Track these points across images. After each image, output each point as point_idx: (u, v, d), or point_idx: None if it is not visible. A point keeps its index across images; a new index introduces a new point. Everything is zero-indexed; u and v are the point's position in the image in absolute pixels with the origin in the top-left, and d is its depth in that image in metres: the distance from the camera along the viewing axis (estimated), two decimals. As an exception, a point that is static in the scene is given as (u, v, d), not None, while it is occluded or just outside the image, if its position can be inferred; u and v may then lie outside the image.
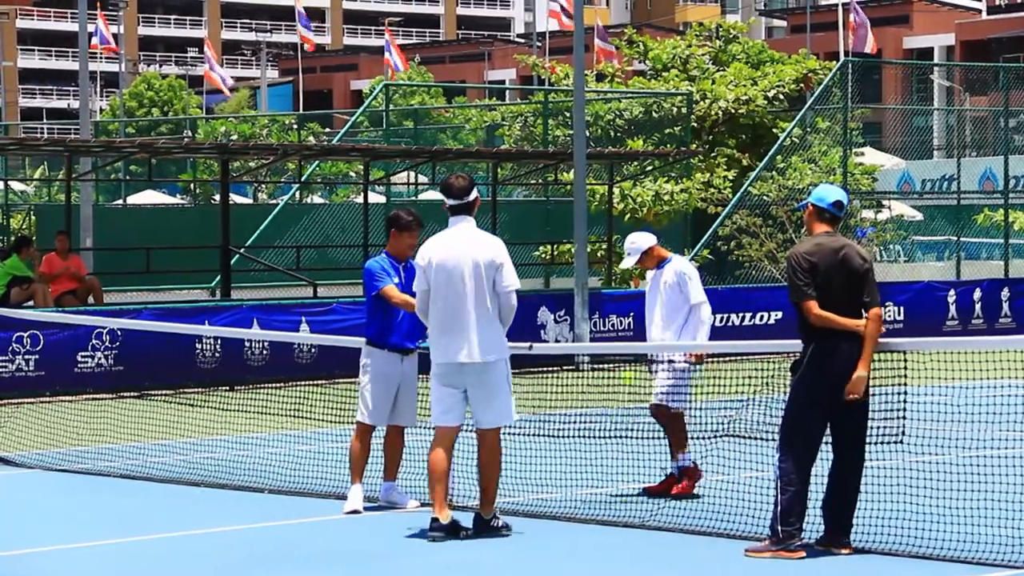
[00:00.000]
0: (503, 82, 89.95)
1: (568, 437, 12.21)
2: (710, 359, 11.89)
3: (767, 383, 12.34)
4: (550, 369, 20.10)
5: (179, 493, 11.93)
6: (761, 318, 23.01)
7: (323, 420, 13.74)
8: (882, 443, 9.48)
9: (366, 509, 10.91)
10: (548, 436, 12.37)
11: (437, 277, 9.86)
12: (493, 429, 9.95)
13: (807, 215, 9.54)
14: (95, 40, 36.01)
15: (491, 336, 9.82)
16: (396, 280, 10.91)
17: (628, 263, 11.73)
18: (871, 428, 9.37)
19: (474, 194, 10.00)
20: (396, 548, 9.77)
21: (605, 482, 11.57)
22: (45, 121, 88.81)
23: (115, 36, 35.90)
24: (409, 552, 9.67)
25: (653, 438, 11.70)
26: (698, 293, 11.45)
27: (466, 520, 10.00)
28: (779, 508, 9.19)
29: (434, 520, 9.87)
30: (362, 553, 9.73)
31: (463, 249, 9.86)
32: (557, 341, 21.40)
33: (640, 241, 11.70)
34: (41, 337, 17.95)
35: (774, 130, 29.47)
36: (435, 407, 9.98)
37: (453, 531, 9.85)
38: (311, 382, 17.60)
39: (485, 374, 9.84)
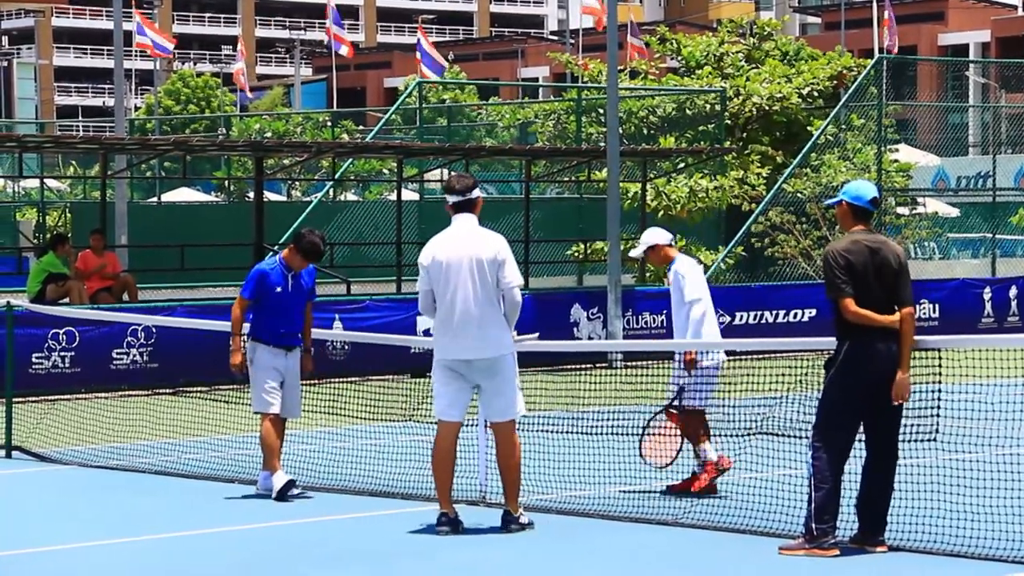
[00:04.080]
0: (536, 79, 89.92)
1: (601, 434, 12.20)
2: (743, 356, 11.86)
3: (800, 380, 12.32)
4: (583, 366, 20.09)
5: (213, 489, 11.98)
6: (795, 315, 22.94)
7: (356, 417, 13.77)
8: (916, 441, 9.45)
9: (391, 508, 10.95)
10: (581, 433, 12.36)
11: (439, 275, 9.93)
12: (506, 422, 10.00)
13: (841, 212, 9.49)
14: (144, 40, 36.05)
15: (497, 332, 9.88)
16: (280, 288, 11.61)
17: (634, 253, 11.83)
18: (905, 426, 9.34)
19: (476, 193, 10.12)
20: (423, 547, 9.77)
21: (638, 480, 11.55)
22: (81, 119, 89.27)
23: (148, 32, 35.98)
24: (437, 550, 9.67)
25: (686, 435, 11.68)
26: (692, 290, 11.26)
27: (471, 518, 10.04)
28: (813, 506, 9.16)
29: (442, 515, 9.97)
30: (389, 551, 9.72)
31: (465, 247, 9.93)
32: (590, 338, 21.40)
33: (648, 236, 11.68)
34: (77, 334, 18.04)
35: (808, 127, 29.36)
36: (439, 401, 10.04)
37: (457, 525, 9.98)
38: (344, 379, 17.62)
39: (494, 369, 9.93)
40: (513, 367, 10.04)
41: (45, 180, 40.78)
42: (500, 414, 10.00)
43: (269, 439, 11.53)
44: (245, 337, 11.81)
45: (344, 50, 56.69)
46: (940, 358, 9.49)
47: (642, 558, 9.46)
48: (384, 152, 26.80)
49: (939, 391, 9.44)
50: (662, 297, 22.81)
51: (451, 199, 10.13)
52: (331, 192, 34.61)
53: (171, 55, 38.44)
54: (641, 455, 11.34)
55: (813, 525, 9.17)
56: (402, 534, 10.15)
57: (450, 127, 40.62)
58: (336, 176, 28.94)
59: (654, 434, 11.39)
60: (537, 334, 11.19)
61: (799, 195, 26.57)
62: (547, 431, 12.26)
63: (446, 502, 10.00)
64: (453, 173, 10.44)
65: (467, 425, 11.73)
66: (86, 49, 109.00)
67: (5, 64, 75.64)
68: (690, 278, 11.35)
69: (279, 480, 11.44)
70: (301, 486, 11.57)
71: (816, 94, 29.91)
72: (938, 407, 9.39)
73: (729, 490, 10.97)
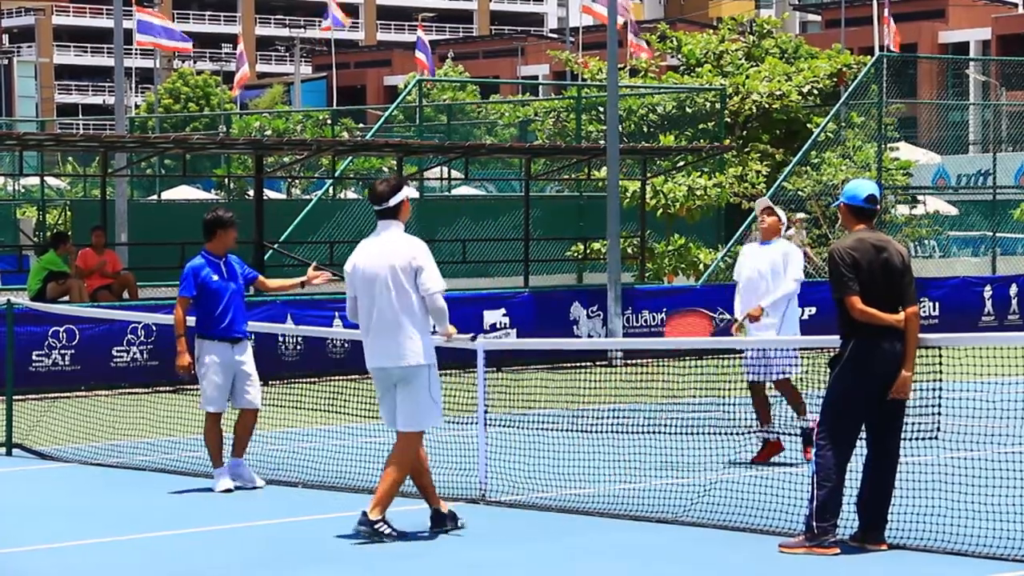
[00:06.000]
0: (536, 77, 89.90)
1: (601, 432, 12.21)
2: (743, 355, 11.94)
3: (800, 378, 12.34)
4: (583, 365, 20.10)
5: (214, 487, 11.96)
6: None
7: (356, 415, 13.76)
8: (917, 439, 9.44)
9: (391, 506, 10.96)
10: (581, 431, 12.37)
11: (359, 284, 9.84)
12: (406, 433, 9.80)
13: (842, 214, 9.51)
14: (154, 39, 35.85)
15: (412, 341, 9.69)
16: (217, 276, 11.86)
17: (762, 203, 12.73)
18: (906, 424, 9.33)
19: (398, 198, 9.84)
20: (424, 546, 9.75)
21: (638, 477, 11.55)
22: (81, 117, 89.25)
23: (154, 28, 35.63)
24: (437, 549, 9.67)
25: (686, 433, 11.70)
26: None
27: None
28: (815, 504, 9.15)
29: (434, 511, 9.98)
30: (386, 549, 9.64)
31: (382, 255, 9.78)
32: (590, 336, 21.41)
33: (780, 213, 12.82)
34: (77, 332, 18.04)
35: (808, 125, 29.38)
36: (386, 417, 9.99)
37: (448, 520, 9.98)
38: (344, 377, 17.61)
39: (407, 378, 9.75)
40: (428, 378, 9.76)
41: (45, 178, 40.75)
42: (402, 423, 9.81)
43: (210, 439, 11.84)
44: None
45: (327, 22, 56.59)
46: (941, 356, 9.49)
47: (642, 556, 9.45)
48: (384, 150, 26.83)
49: (940, 389, 9.44)
50: (662, 295, 22.83)
51: (374, 207, 9.94)
52: (331, 190, 34.59)
53: (189, 46, 38.08)
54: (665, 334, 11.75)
55: (814, 523, 9.16)
56: (402, 532, 10.13)
57: (450, 125, 40.60)
58: (336, 174, 28.94)
59: (682, 315, 11.85)
60: (472, 335, 11.00)
61: (799, 193, 26.57)
62: (547, 429, 12.27)
63: (432, 499, 9.99)
64: (377, 179, 10.28)
65: (465, 423, 11.75)
66: (86, 47, 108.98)
67: (5, 62, 75.63)
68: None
69: (223, 482, 11.71)
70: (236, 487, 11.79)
71: (816, 92, 29.92)
72: (939, 405, 9.38)
73: (729, 488, 10.96)
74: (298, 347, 19.39)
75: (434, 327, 9.87)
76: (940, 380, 9.46)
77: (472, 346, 11.38)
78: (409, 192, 10.00)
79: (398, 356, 9.71)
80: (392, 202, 9.85)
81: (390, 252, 9.76)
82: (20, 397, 15.33)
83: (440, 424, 10.02)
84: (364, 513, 9.74)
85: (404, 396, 9.78)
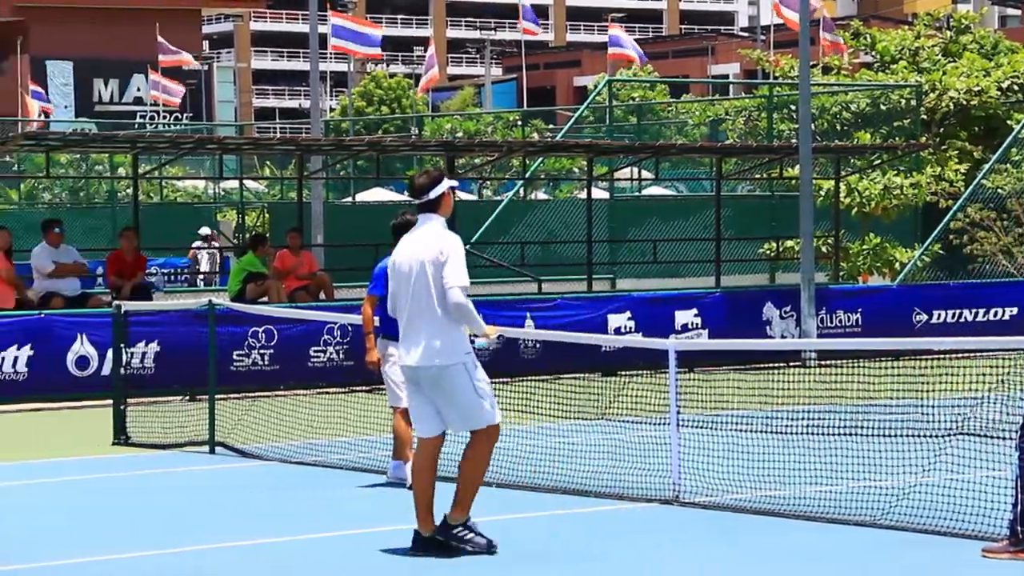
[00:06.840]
0: (727, 76, 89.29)
1: (795, 434, 12.07)
2: (942, 356, 11.72)
3: (1003, 380, 12.06)
4: (776, 365, 19.90)
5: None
6: (996, 314, 22.45)
7: (549, 415, 13.81)
8: None
9: (585, 507, 10.98)
10: (775, 433, 12.24)
11: (395, 278, 9.52)
12: (480, 431, 9.36)
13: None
14: (344, 44, 36.47)
15: (442, 339, 9.22)
16: None
17: None
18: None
19: (438, 190, 9.43)
20: (603, 547, 9.73)
21: (834, 480, 11.40)
22: (277, 121, 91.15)
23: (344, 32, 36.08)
24: (616, 550, 9.65)
25: (883, 435, 11.52)
26: None
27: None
28: (1019, 509, 8.96)
29: (416, 533, 9.44)
30: (570, 551, 9.64)
31: (414, 249, 9.41)
32: (783, 337, 21.21)
33: None
34: (275, 332, 18.43)
35: (1008, 122, 28.69)
36: (411, 415, 9.63)
37: (432, 545, 9.35)
38: (536, 377, 17.68)
39: (441, 380, 9.25)
40: (466, 376, 9.25)
41: (244, 181, 41.69)
42: (462, 424, 9.41)
43: (400, 430, 11.88)
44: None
45: (529, 25, 57.16)
46: None
47: (840, 558, 9.33)
48: (574, 151, 26.93)
49: None
50: (856, 295, 22.52)
51: (415, 201, 9.57)
52: (521, 191, 34.81)
53: (379, 52, 38.58)
54: None
55: (1019, 528, 8.96)
56: (591, 532, 10.15)
57: (640, 125, 40.53)
58: (526, 175, 29.12)
59: None
60: (498, 334, 10.08)
61: (1000, 191, 25.97)
62: (741, 430, 12.18)
63: (420, 519, 9.40)
64: (418, 172, 9.95)
65: (658, 424, 11.71)
66: (283, 52, 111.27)
67: (206, 68, 77.60)
68: None
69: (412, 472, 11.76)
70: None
71: (1016, 88, 29.23)
72: None
73: (930, 491, 10.76)
74: (490, 347, 19.53)
75: (473, 334, 9.36)
76: None
77: (664, 346, 11.33)
78: (451, 184, 9.57)
79: (427, 355, 9.22)
80: (432, 195, 9.43)
81: (423, 247, 9.37)
82: (222, 396, 15.68)
83: (496, 420, 9.44)
84: (444, 518, 9.40)
85: (444, 399, 9.30)
